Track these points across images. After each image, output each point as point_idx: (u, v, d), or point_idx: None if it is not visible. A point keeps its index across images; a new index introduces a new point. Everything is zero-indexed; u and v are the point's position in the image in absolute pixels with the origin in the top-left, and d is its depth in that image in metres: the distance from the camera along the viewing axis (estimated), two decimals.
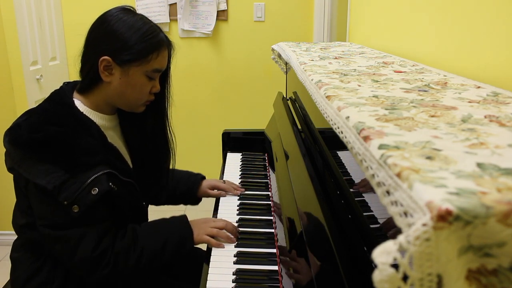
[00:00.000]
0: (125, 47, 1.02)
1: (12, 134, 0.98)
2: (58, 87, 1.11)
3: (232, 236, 1.13)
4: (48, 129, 0.97)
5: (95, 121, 1.06)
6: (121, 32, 1.02)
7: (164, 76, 1.15)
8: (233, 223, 1.19)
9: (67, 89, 1.09)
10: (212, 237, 1.12)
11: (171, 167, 1.27)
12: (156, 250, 1.05)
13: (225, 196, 1.41)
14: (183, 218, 1.14)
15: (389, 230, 0.60)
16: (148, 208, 1.30)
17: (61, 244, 1.00)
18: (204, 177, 1.45)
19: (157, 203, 1.41)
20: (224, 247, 1.10)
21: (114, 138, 1.14)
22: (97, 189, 0.97)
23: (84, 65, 1.07)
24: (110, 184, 1.00)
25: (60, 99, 1.06)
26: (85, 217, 0.98)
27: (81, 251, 0.99)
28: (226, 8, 2.85)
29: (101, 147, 1.04)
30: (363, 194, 0.72)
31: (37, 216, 1.01)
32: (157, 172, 1.24)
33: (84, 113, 1.05)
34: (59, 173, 0.95)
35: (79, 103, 1.07)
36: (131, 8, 1.09)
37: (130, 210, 1.10)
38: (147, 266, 1.05)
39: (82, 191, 0.96)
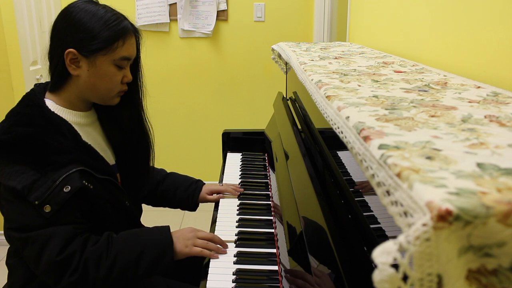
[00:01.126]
0: (88, 37, 1.00)
1: None
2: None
3: (221, 247, 1.09)
4: (16, 130, 0.96)
5: (68, 119, 1.04)
6: (83, 22, 1.00)
7: (136, 66, 1.13)
8: (230, 223, 1.18)
9: (38, 90, 1.07)
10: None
11: (150, 160, 1.24)
12: (130, 261, 0.99)
13: (223, 198, 1.40)
14: (164, 229, 1.07)
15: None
16: (143, 210, 1.28)
17: (28, 248, 0.96)
18: (203, 183, 1.44)
19: (152, 202, 1.39)
20: (218, 257, 1.06)
21: (92, 134, 1.11)
22: (69, 187, 0.94)
23: (51, 62, 1.05)
24: (84, 181, 0.97)
25: (30, 101, 1.04)
26: (58, 218, 0.95)
27: (46, 254, 0.94)
28: (226, 8, 2.85)
29: (74, 146, 1.01)
30: (363, 194, 0.72)
31: (5, 219, 0.99)
32: (137, 166, 1.21)
33: (55, 112, 1.03)
34: (29, 173, 0.94)
35: (50, 103, 1.05)
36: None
37: (113, 211, 1.07)
38: (120, 278, 0.98)
39: (53, 189, 0.93)
